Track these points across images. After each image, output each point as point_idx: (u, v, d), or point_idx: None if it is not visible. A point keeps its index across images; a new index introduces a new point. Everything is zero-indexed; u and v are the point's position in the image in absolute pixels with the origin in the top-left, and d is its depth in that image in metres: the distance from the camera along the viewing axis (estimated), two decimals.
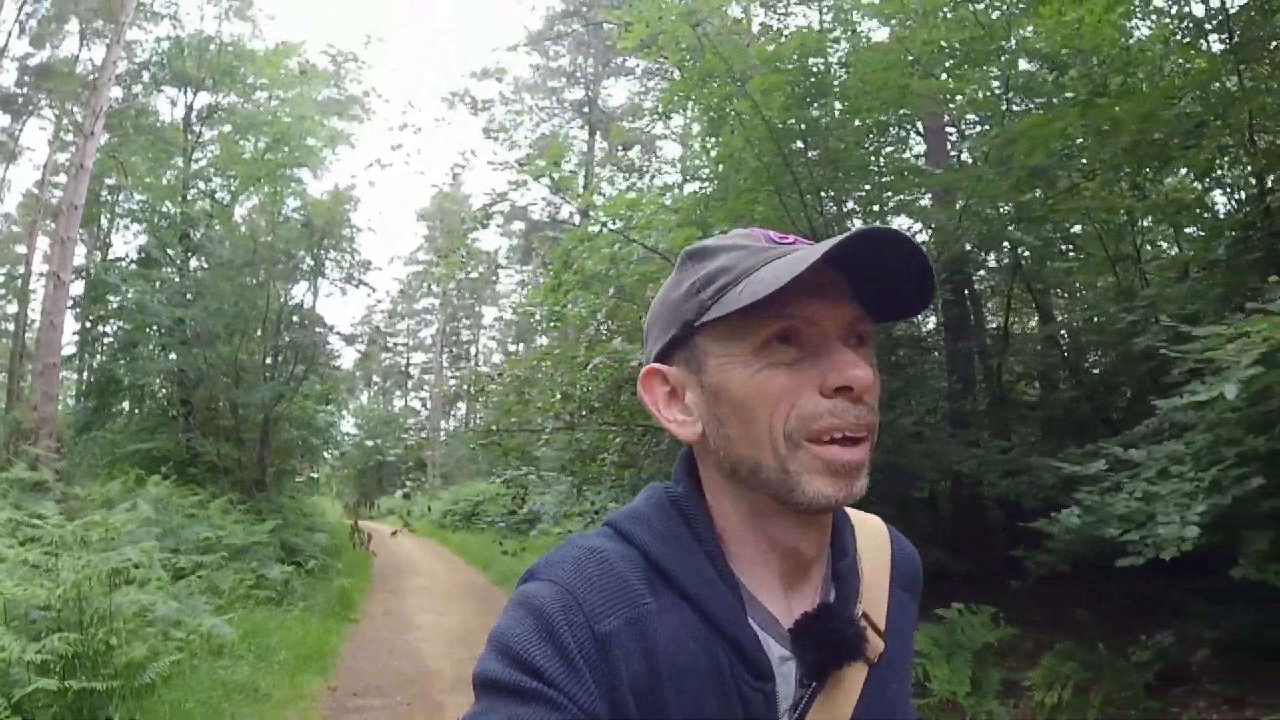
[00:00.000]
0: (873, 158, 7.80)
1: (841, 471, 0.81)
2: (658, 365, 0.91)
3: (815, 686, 0.85)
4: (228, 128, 18.96)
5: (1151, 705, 4.90)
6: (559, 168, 6.86)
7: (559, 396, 7.00)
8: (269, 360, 15.20)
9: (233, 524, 10.14)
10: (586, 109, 28.57)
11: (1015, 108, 7.33)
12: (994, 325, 9.63)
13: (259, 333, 15.00)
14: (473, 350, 51.63)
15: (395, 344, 48.92)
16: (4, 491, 9.53)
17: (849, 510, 0.96)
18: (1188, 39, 6.50)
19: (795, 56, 6.59)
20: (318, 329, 16.34)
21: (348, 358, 21.31)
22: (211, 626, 6.28)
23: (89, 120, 14.28)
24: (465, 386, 35.78)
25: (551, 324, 8.16)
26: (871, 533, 0.99)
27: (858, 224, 6.61)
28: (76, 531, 5.55)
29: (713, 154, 7.72)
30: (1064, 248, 8.57)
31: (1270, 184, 6.16)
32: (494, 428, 7.77)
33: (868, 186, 7.69)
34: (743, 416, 0.83)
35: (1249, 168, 6.27)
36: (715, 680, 0.80)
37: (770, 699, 0.82)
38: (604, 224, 6.40)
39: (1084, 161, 6.67)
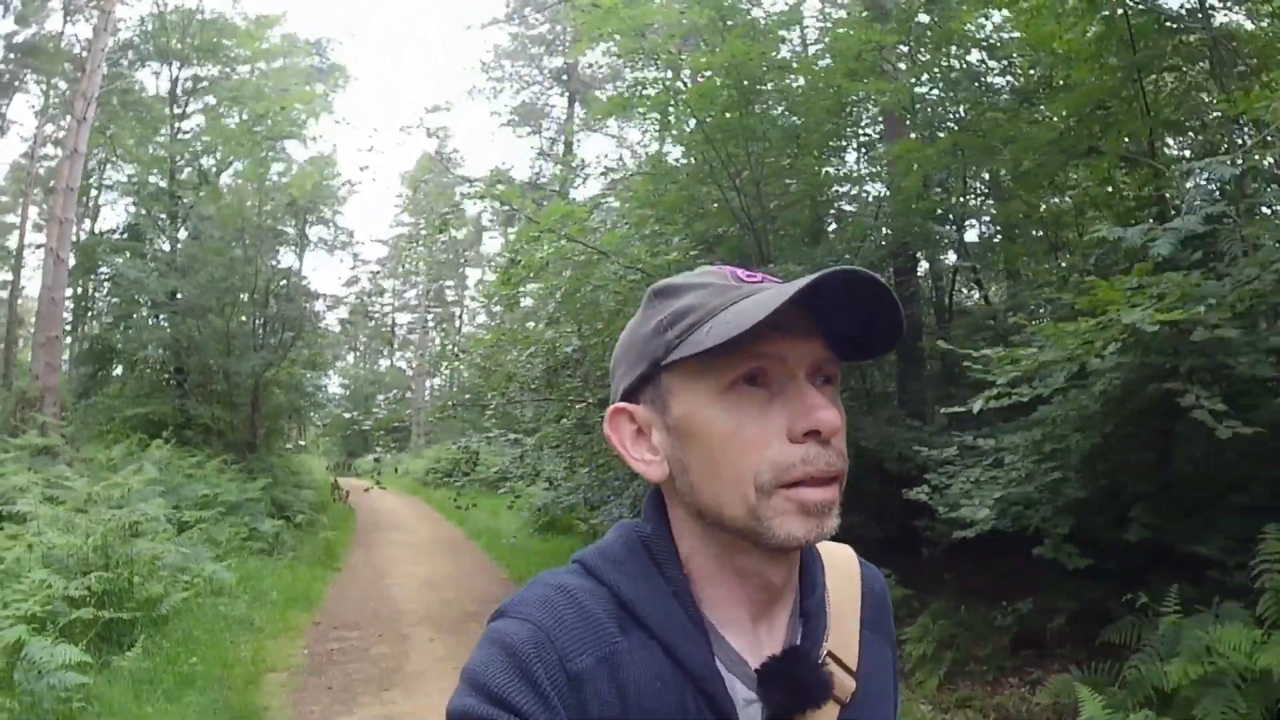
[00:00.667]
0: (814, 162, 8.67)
1: (813, 511, 0.81)
2: (624, 405, 0.90)
3: None
4: (212, 100, 19.87)
5: (1006, 663, 5.66)
6: (503, 187, 7.94)
7: (506, 376, 8.12)
8: (259, 329, 16.18)
9: (227, 482, 11.28)
10: (565, 76, 29.33)
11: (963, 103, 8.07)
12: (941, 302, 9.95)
13: (247, 300, 15.95)
14: (458, 311, 52.46)
15: (381, 305, 49.65)
16: (16, 456, 10.63)
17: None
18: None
19: (725, 73, 7.56)
20: (304, 301, 17.28)
21: (334, 319, 22.24)
22: (213, 572, 7.43)
23: (81, 105, 15.10)
24: (444, 352, 36.92)
25: (508, 307, 9.22)
26: (841, 566, 0.98)
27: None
28: (100, 491, 6.67)
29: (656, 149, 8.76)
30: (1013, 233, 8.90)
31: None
32: (450, 403, 8.91)
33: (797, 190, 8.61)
34: (709, 462, 0.82)
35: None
36: None
37: None
38: (540, 234, 7.42)
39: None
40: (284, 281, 17.02)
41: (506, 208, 8.22)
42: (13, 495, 7.74)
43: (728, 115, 7.43)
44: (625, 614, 0.84)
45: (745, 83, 7.26)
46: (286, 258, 18.58)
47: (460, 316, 51.45)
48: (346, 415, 31.22)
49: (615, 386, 0.93)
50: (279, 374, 16.35)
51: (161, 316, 15.88)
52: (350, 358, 51.40)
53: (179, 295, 15.05)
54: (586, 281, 7.52)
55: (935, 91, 8.29)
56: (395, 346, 53.83)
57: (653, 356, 0.86)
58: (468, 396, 8.90)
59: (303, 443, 28.76)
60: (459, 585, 9.47)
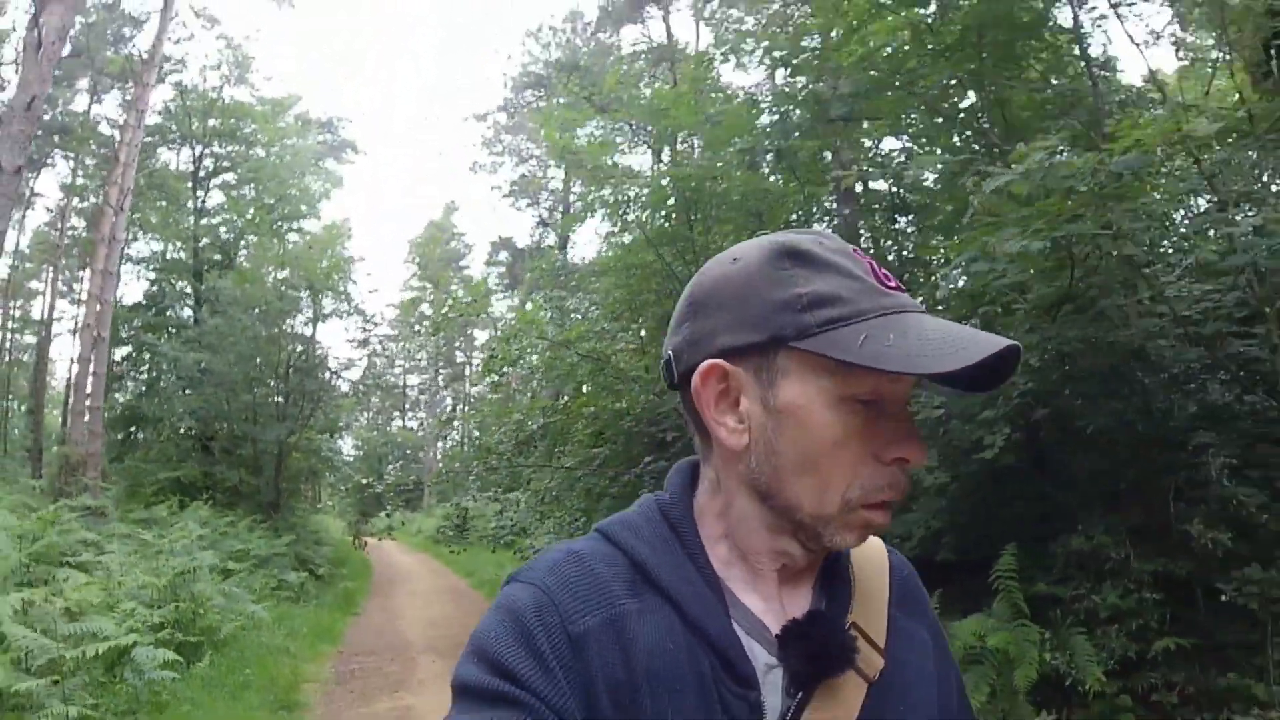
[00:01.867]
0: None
1: (871, 529, 0.85)
2: (723, 362, 0.85)
3: (802, 697, 0.83)
4: (231, 178, 21.87)
5: None
6: (477, 303, 9.83)
7: (486, 449, 9.84)
8: (281, 400, 17.82)
9: (257, 539, 12.86)
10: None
11: None
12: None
13: (271, 381, 17.61)
14: (466, 370, 54.17)
15: (391, 372, 51.45)
16: (65, 517, 12.25)
17: None
18: None
19: (668, 186, 9.24)
20: (321, 371, 18.93)
21: (346, 381, 23.70)
22: (253, 611, 8.97)
23: (116, 195, 16.95)
24: (447, 417, 38.69)
25: (494, 388, 10.96)
26: (869, 551, 0.97)
27: None
28: (166, 544, 8.28)
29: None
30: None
31: None
32: (444, 471, 10.62)
33: None
34: (806, 459, 0.82)
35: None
36: (697, 685, 0.80)
37: (756, 708, 0.81)
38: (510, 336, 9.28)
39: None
40: (302, 351, 18.73)
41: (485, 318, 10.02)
42: (78, 549, 9.35)
43: (672, 220, 9.17)
44: (639, 576, 0.85)
45: (687, 194, 8.99)
46: (302, 327, 20.36)
47: (468, 376, 53.22)
48: (361, 480, 32.77)
49: (708, 331, 0.86)
50: (298, 440, 18.00)
51: (187, 389, 17.56)
52: (364, 418, 53.15)
53: (202, 367, 16.73)
54: (554, 365, 9.21)
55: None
56: (406, 407, 55.48)
57: (778, 330, 0.81)
58: (457, 465, 10.62)
59: (319, 504, 30.17)
60: (460, 623, 10.98)
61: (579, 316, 9.67)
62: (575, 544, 0.89)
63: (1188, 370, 5.52)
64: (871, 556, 0.97)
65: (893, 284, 0.84)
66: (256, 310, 17.63)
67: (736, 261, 0.87)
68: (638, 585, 0.84)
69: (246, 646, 7.91)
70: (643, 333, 9.04)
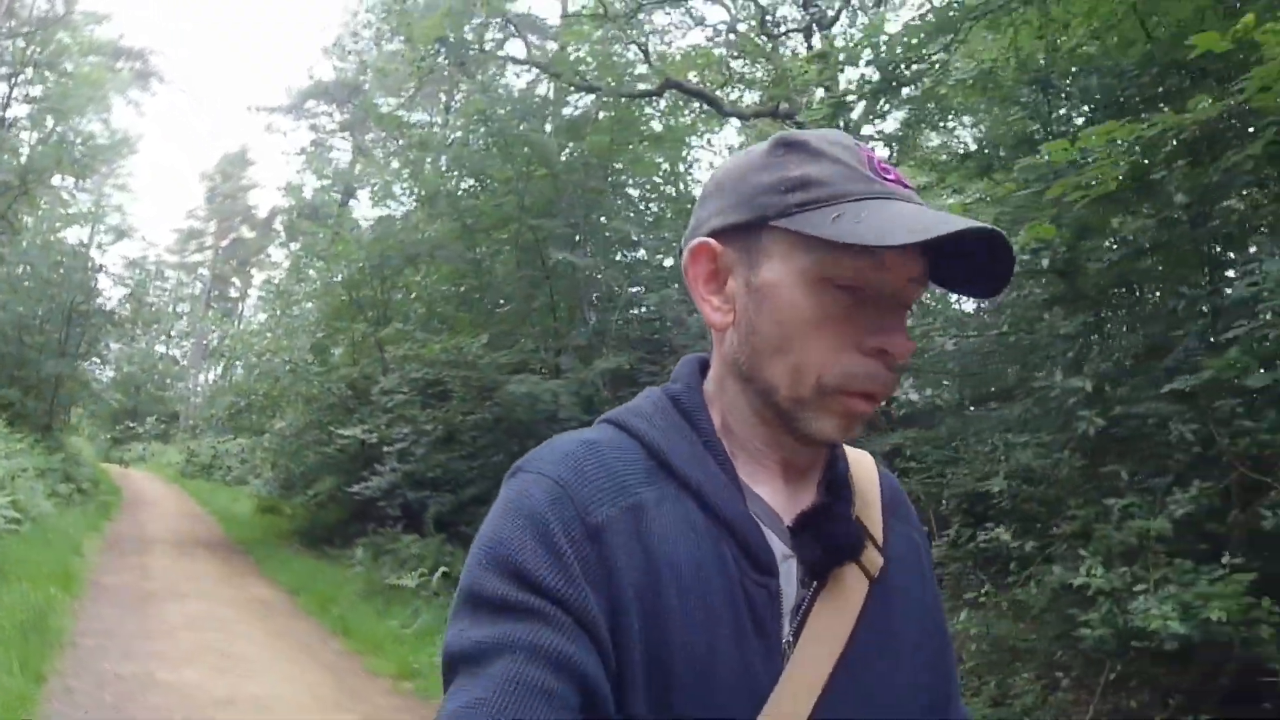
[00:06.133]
0: None
1: (852, 420, 0.88)
2: (710, 241, 0.91)
3: (817, 587, 0.88)
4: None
5: None
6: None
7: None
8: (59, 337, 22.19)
9: (37, 455, 17.64)
10: (349, 133, 36.00)
11: None
12: None
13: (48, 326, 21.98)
14: (240, 307, 56.91)
15: (163, 292, 53.60)
16: None
17: None
18: None
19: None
20: (87, 275, 22.89)
21: (114, 296, 26.78)
22: (44, 506, 14.04)
23: None
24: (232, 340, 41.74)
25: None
26: (863, 464, 1.03)
27: None
28: None
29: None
30: None
31: None
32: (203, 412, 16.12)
33: None
34: (781, 338, 0.87)
35: None
36: (719, 571, 0.83)
37: (774, 596, 0.86)
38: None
39: None
40: (82, 301, 23.00)
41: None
42: None
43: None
44: (655, 464, 0.87)
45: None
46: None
47: (241, 313, 55.91)
48: (114, 405, 36.05)
49: (702, 217, 0.93)
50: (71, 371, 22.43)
51: None
52: (124, 342, 54.70)
53: None
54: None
55: None
56: (173, 334, 57.50)
57: (762, 210, 0.87)
58: (212, 412, 16.23)
59: (73, 426, 32.96)
60: (189, 531, 16.44)
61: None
62: (586, 433, 0.91)
63: None
64: (864, 464, 1.03)
65: (891, 176, 0.87)
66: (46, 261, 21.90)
67: (744, 152, 0.94)
68: (654, 473, 0.87)
69: (46, 527, 13.05)
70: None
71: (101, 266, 24.68)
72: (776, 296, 0.87)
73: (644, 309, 12.15)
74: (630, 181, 13.37)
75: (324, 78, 33.44)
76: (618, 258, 12.79)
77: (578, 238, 11.95)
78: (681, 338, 10.05)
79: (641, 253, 12.79)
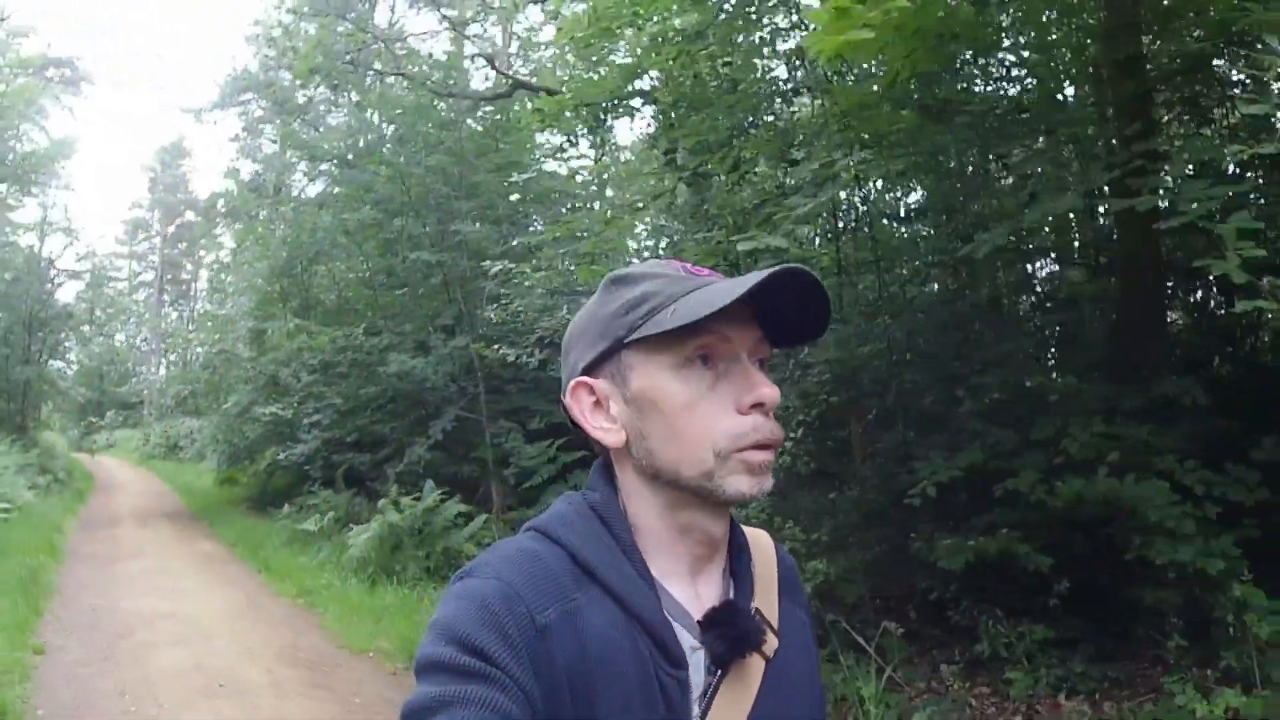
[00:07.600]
0: None
1: (758, 470, 0.99)
2: (584, 379, 1.05)
3: (721, 675, 1.00)
4: None
5: None
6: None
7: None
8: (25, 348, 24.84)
9: (15, 453, 20.43)
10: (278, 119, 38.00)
11: None
12: None
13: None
14: (193, 289, 58.16)
15: (116, 283, 54.93)
16: None
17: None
18: None
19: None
20: (43, 279, 25.51)
21: (69, 292, 28.84)
22: (27, 496, 16.86)
23: None
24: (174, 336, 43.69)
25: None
26: (760, 544, 1.16)
27: None
28: None
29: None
30: None
31: None
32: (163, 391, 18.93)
33: None
34: (669, 429, 0.99)
35: None
36: (638, 667, 0.95)
37: (684, 685, 0.97)
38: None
39: None
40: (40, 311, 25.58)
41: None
42: None
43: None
44: (581, 571, 0.98)
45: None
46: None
47: (195, 294, 57.02)
48: (80, 399, 38.43)
49: (572, 363, 1.07)
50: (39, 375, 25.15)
51: None
52: (84, 331, 55.95)
53: None
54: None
55: None
56: (130, 322, 58.66)
57: (615, 335, 1.01)
58: (171, 391, 19.14)
59: (44, 421, 34.98)
60: (154, 508, 19.37)
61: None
62: (519, 541, 1.02)
63: None
64: (764, 548, 1.16)
65: (705, 272, 1.04)
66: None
67: (583, 306, 1.09)
68: (582, 579, 0.97)
69: (31, 513, 15.89)
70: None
71: (57, 272, 27.18)
72: (652, 396, 1.00)
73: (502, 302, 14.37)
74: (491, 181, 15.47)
75: (250, 68, 35.19)
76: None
77: (443, 237, 14.30)
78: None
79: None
